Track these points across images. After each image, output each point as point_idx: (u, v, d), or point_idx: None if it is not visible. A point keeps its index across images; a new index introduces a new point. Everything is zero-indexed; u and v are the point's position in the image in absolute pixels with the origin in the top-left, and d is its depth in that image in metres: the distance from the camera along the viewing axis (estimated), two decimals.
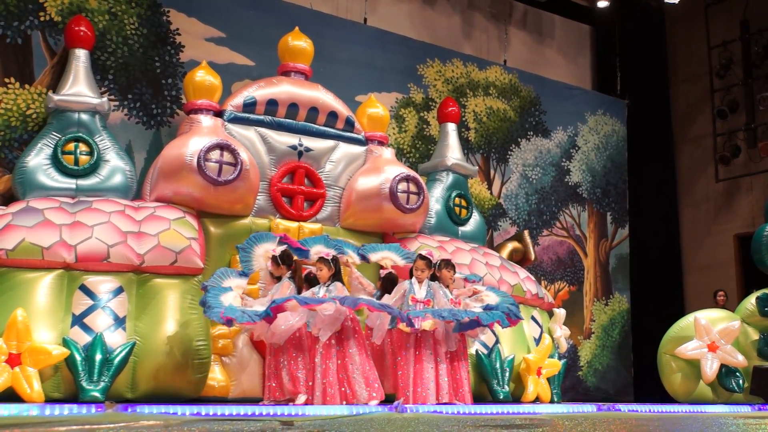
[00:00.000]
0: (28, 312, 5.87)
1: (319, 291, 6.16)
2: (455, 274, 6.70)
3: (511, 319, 6.43)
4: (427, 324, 6.15)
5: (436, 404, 6.02)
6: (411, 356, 6.20)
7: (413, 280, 6.45)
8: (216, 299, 5.91)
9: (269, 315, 5.78)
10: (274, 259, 6.29)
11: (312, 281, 6.38)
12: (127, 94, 8.21)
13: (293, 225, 7.45)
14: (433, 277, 6.54)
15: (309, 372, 6.05)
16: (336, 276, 6.24)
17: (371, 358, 6.20)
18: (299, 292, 6.21)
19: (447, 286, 6.56)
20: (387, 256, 6.81)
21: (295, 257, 6.39)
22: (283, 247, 6.36)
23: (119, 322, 6.21)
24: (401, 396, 6.12)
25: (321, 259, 6.26)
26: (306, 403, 5.93)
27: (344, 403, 5.83)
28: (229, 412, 4.72)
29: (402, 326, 6.18)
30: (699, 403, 8.10)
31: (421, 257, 6.51)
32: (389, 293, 6.46)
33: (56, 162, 6.90)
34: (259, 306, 6.01)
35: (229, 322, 5.81)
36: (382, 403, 5.99)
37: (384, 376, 6.44)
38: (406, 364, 6.21)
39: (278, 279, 6.34)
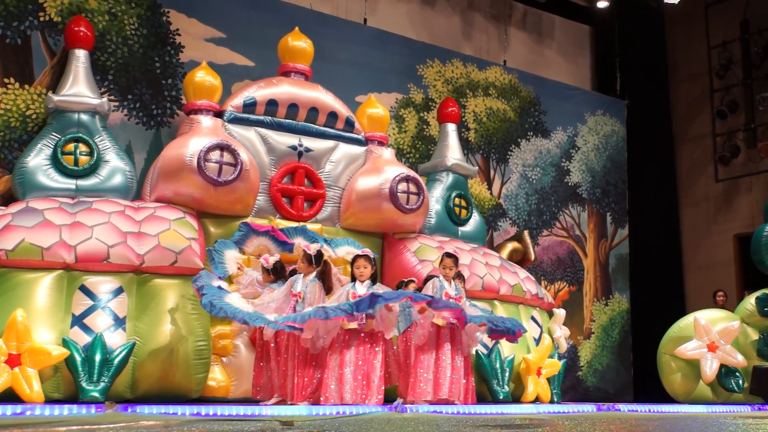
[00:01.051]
0: (28, 312, 5.87)
1: (359, 290, 6.00)
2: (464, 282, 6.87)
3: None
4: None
5: (437, 403, 6.01)
6: (432, 352, 6.23)
7: (442, 277, 6.50)
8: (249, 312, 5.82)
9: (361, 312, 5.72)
10: (307, 257, 6.15)
11: (279, 272, 6.31)
12: (127, 94, 8.21)
13: (293, 225, 7.44)
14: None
15: (318, 380, 6.00)
16: (374, 275, 6.16)
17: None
18: (329, 292, 6.17)
19: None
20: (350, 251, 6.81)
21: (325, 257, 6.31)
22: (318, 246, 6.33)
23: (119, 322, 6.21)
24: (414, 390, 6.12)
25: (365, 257, 6.11)
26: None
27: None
28: (229, 413, 4.72)
29: (438, 319, 6.20)
30: (699, 403, 8.11)
31: (449, 255, 6.57)
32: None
33: (56, 162, 6.90)
34: (264, 309, 5.96)
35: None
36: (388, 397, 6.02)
37: (392, 372, 6.44)
38: (427, 359, 6.21)
39: (275, 280, 6.31)
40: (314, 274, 6.13)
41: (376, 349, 5.98)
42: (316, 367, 5.99)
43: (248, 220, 7.26)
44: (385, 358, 6.16)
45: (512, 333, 6.42)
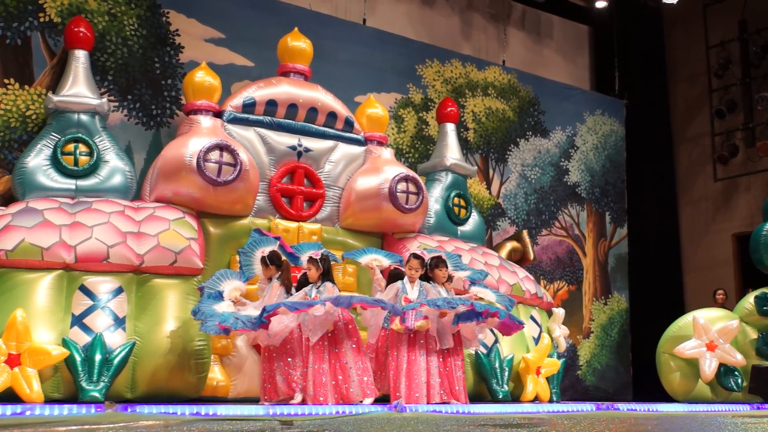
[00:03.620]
0: (28, 312, 5.88)
1: (311, 291, 6.14)
2: (448, 270, 6.59)
3: (513, 323, 6.44)
4: (418, 324, 6.16)
5: (428, 404, 6.00)
6: (403, 355, 6.19)
7: (405, 280, 6.44)
8: (210, 309, 5.90)
9: (264, 322, 5.79)
10: (262, 260, 6.32)
11: (305, 282, 6.36)
12: (126, 94, 8.22)
13: (293, 225, 7.46)
14: (424, 278, 6.51)
15: (303, 373, 6.05)
16: (326, 276, 6.20)
17: (367, 358, 6.20)
18: (288, 292, 6.22)
19: (443, 285, 6.52)
20: (375, 258, 6.81)
21: (284, 257, 6.40)
22: (272, 248, 6.38)
23: (119, 322, 6.22)
24: (394, 395, 6.11)
25: (310, 259, 6.23)
26: (302, 403, 5.94)
27: (340, 402, 5.83)
28: (228, 412, 4.73)
29: (395, 326, 6.18)
30: (698, 402, 8.12)
31: (415, 256, 6.50)
32: None
33: (56, 163, 6.91)
34: (253, 310, 6.01)
35: (225, 331, 5.83)
36: (378, 402, 6.01)
37: (380, 376, 6.44)
38: (398, 363, 6.20)
39: (275, 272, 6.37)
40: (277, 275, 6.27)
41: (344, 348, 6.04)
42: (292, 361, 6.10)
43: (246, 220, 7.29)
44: (355, 357, 6.11)
45: (474, 314, 6.18)
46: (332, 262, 6.48)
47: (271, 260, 6.31)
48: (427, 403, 6.04)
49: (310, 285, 6.20)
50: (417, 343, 6.22)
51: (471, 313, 6.20)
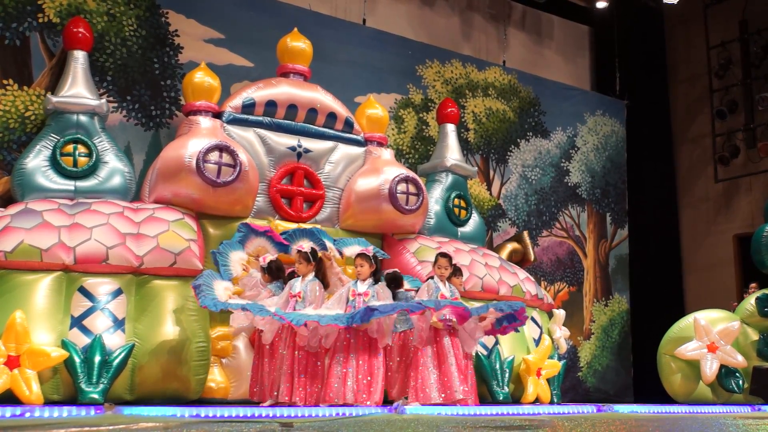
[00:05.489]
0: (27, 314, 5.87)
1: (359, 288, 6.09)
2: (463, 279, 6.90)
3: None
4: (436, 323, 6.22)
5: (450, 404, 6.02)
6: (434, 353, 6.21)
7: (436, 279, 6.49)
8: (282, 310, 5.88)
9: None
10: (304, 255, 6.19)
11: (274, 273, 6.33)
12: (125, 95, 8.20)
13: (292, 226, 7.44)
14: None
15: (314, 382, 6.00)
16: (378, 274, 6.19)
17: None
18: (327, 287, 6.21)
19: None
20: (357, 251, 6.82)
21: (320, 253, 6.36)
22: (312, 244, 6.35)
23: (118, 323, 6.21)
24: (418, 394, 6.10)
25: (362, 255, 6.19)
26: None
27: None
28: (228, 414, 4.71)
29: (434, 321, 6.19)
30: (699, 404, 8.10)
31: (443, 255, 6.58)
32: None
33: (55, 164, 6.89)
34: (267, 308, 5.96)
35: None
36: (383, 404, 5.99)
37: (395, 376, 6.43)
38: (427, 361, 6.18)
39: (272, 280, 6.31)
40: (312, 273, 6.18)
41: (378, 348, 5.99)
42: (317, 366, 6.01)
43: (248, 220, 7.27)
44: (386, 358, 6.15)
45: (516, 315, 6.36)
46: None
47: (314, 257, 6.22)
48: (448, 399, 6.07)
49: (354, 280, 6.17)
50: (454, 342, 6.27)
51: (511, 317, 6.38)
